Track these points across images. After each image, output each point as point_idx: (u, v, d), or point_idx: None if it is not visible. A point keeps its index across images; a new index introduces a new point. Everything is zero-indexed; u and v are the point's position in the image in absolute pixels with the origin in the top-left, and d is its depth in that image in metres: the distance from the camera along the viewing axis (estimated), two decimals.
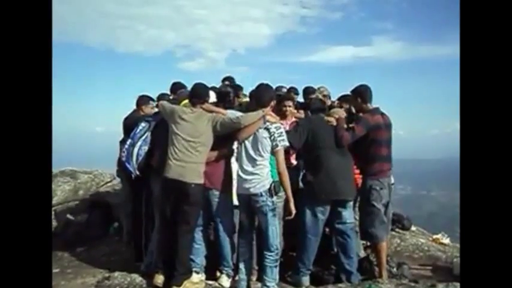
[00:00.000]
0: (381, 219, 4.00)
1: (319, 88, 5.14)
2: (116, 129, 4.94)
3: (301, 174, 4.14)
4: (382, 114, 4.09)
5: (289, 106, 4.29)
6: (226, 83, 5.60)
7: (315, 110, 4.24)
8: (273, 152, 3.60)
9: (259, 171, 3.55)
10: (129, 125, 4.45)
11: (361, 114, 4.10)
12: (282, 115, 4.27)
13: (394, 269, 4.17)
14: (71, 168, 7.19)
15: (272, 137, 3.56)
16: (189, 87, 4.03)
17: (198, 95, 3.80)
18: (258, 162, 3.56)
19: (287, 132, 3.82)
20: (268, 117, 3.62)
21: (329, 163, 3.84)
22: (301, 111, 4.89)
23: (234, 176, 3.81)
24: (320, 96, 4.95)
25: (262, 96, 3.75)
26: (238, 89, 5.08)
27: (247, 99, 4.85)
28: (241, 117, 3.61)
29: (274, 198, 3.58)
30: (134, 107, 4.81)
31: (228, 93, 4.06)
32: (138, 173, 4.11)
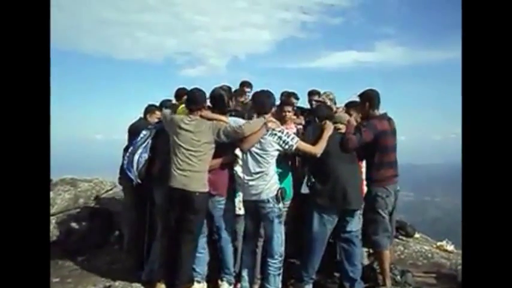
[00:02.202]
0: (385, 227, 3.94)
1: (325, 92, 5.07)
2: (116, 136, 4.93)
3: (306, 178, 4.12)
4: (389, 119, 4.03)
5: (289, 111, 4.28)
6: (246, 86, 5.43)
7: (321, 117, 4.06)
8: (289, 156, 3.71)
9: (266, 178, 3.55)
10: (133, 132, 4.46)
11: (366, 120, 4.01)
12: (282, 120, 4.26)
13: (398, 277, 4.12)
14: (71, 177, 7.13)
15: (283, 141, 3.58)
16: None
17: (195, 101, 3.74)
18: (264, 169, 3.57)
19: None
20: (269, 125, 3.62)
21: (337, 172, 3.75)
22: (301, 117, 4.84)
23: (238, 183, 3.81)
24: (326, 100, 4.88)
25: (263, 103, 3.76)
26: (232, 91, 4.99)
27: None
28: (244, 126, 3.59)
29: (281, 204, 3.59)
30: (135, 114, 4.83)
31: (221, 96, 3.85)
32: (139, 180, 4.09)
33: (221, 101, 3.83)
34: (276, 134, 3.60)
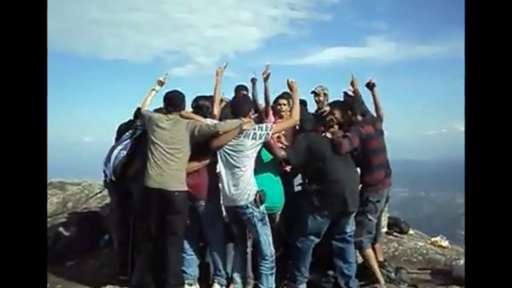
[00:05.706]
0: (369, 229, 4.00)
1: (320, 86, 4.98)
2: (105, 138, 4.84)
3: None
4: (373, 121, 4.04)
5: (284, 105, 4.22)
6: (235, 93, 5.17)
7: (308, 131, 3.98)
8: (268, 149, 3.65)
9: (242, 183, 3.49)
10: (120, 132, 4.38)
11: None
12: (278, 115, 4.19)
13: (392, 274, 4.09)
14: (59, 180, 7.03)
15: (258, 135, 3.53)
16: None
17: (174, 103, 3.76)
18: (240, 173, 3.51)
19: (284, 148, 3.76)
20: (244, 126, 3.57)
21: (336, 174, 3.69)
22: None
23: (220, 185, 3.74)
24: (321, 94, 4.79)
25: (241, 106, 3.76)
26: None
27: None
28: (219, 125, 3.58)
29: (262, 207, 3.51)
30: (124, 115, 4.77)
31: (205, 106, 3.94)
32: (113, 177, 4.01)
33: (206, 110, 3.91)
34: (249, 134, 3.56)
